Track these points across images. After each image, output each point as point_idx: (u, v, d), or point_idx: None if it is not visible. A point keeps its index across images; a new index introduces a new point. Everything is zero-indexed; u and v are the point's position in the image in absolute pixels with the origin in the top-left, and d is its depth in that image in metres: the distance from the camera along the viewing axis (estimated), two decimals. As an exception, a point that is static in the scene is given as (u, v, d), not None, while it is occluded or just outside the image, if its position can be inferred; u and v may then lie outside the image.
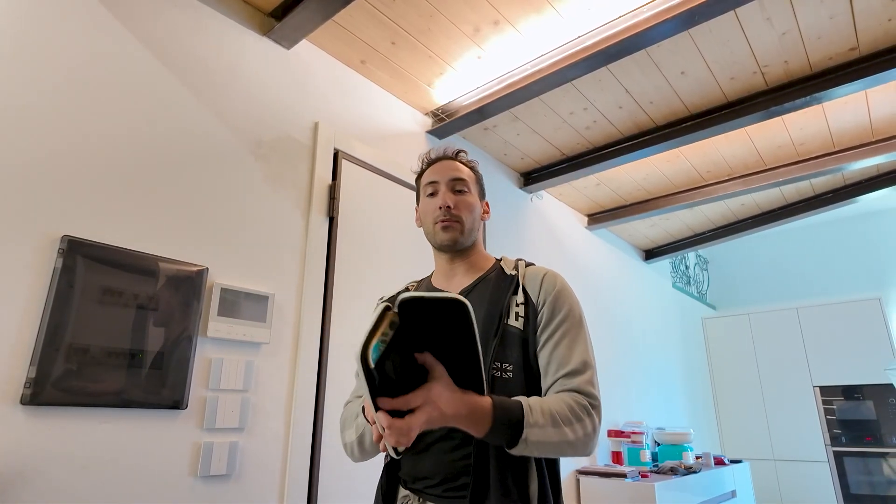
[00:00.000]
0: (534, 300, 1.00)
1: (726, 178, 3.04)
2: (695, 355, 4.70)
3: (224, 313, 1.45)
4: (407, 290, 1.17)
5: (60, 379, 1.15)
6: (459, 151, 1.16)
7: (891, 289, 4.36)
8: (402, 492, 0.99)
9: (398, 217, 2.11)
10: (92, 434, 1.19)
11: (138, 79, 1.43)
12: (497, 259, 1.13)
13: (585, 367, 0.93)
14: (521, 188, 2.93)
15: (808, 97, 2.12)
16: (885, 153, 2.60)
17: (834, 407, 4.07)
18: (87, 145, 1.30)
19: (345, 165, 1.92)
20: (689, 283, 4.96)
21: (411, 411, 0.72)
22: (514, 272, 1.06)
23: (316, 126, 1.86)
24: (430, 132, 2.37)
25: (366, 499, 1.71)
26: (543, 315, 0.98)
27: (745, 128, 2.54)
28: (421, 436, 0.78)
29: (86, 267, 1.22)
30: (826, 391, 4.14)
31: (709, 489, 3.06)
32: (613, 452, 3.11)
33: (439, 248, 1.10)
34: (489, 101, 2.12)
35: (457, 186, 1.09)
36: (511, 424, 0.81)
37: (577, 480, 2.80)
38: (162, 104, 1.46)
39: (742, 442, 4.48)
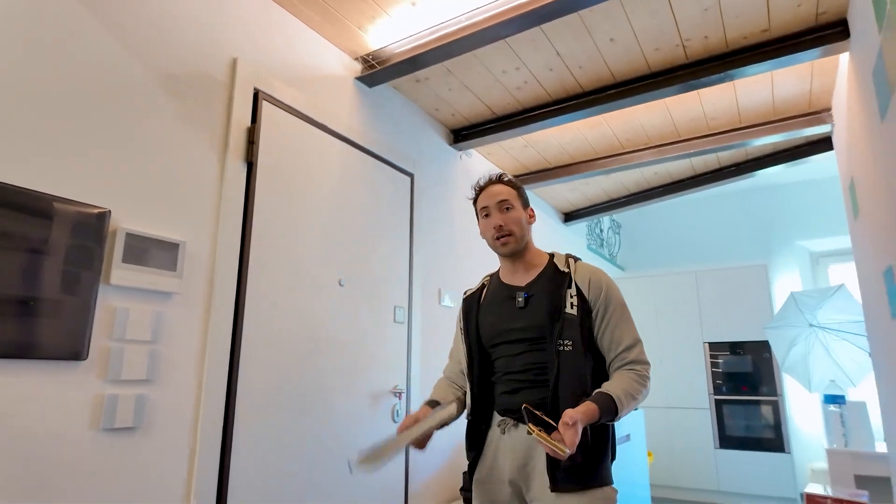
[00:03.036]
0: (585, 293, 1.34)
1: (643, 147, 3.19)
2: (604, 313, 5.00)
3: (130, 260, 1.35)
4: (483, 285, 1.53)
5: (-67, 327, 1.03)
6: (501, 175, 1.47)
7: (776, 257, 4.85)
8: (498, 418, 1.37)
9: (324, 167, 2.03)
10: (-26, 387, 1.09)
11: (34, 2, 1.24)
12: (549, 255, 1.44)
13: (636, 342, 1.32)
14: (450, 145, 2.92)
15: (722, 74, 2.24)
16: (783, 132, 2.83)
17: (719, 360, 4.55)
18: (-42, 62, 1.12)
19: (265, 108, 1.81)
20: (602, 245, 5.24)
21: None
22: (566, 269, 1.38)
23: (234, 62, 1.72)
24: (359, 79, 2.27)
25: (282, 446, 1.71)
26: (599, 308, 1.33)
27: (665, 99, 2.65)
28: (511, 382, 1.35)
29: (-39, 203, 1.08)
30: (713, 346, 4.60)
31: (607, 434, 3.33)
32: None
33: (503, 256, 1.43)
34: (422, 51, 2.06)
35: (504, 206, 1.41)
36: (612, 414, 1.21)
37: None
38: (62, 30, 1.29)
39: (639, 391, 4.90)
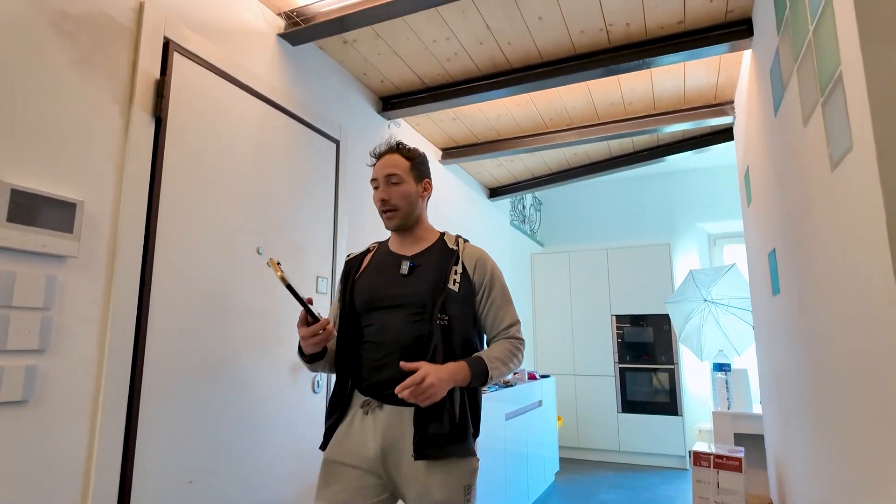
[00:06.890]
0: (470, 274, 1.39)
1: (566, 128, 3.30)
2: (521, 286, 5.21)
3: (16, 219, 1.22)
4: (369, 250, 1.52)
5: None
6: (398, 144, 1.45)
7: (678, 237, 5.24)
8: (361, 398, 1.34)
9: (242, 128, 1.92)
10: None
11: None
12: (440, 233, 1.49)
13: (515, 321, 1.42)
14: (379, 112, 2.86)
15: (640, 61, 2.35)
16: (692, 121, 3.03)
17: (624, 332, 4.89)
18: None
19: (177, 60, 1.68)
20: (524, 221, 5.41)
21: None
22: (455, 248, 1.42)
23: (141, 6, 1.57)
24: (282, 36, 2.16)
25: (195, 418, 1.64)
26: (484, 290, 1.39)
27: (587, 82, 2.75)
28: (379, 353, 1.32)
29: None
30: (619, 319, 4.93)
31: (521, 399, 3.52)
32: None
33: (389, 230, 1.46)
34: (350, 11, 1.99)
35: (392, 180, 1.39)
36: (482, 376, 1.28)
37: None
38: (-86, -61, 1.11)
39: (552, 360, 5.18)
